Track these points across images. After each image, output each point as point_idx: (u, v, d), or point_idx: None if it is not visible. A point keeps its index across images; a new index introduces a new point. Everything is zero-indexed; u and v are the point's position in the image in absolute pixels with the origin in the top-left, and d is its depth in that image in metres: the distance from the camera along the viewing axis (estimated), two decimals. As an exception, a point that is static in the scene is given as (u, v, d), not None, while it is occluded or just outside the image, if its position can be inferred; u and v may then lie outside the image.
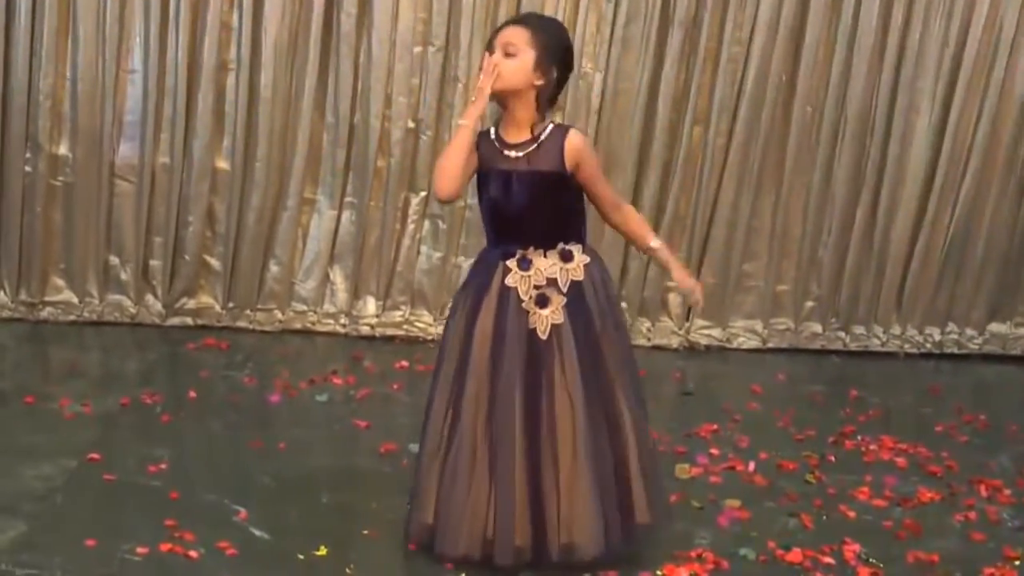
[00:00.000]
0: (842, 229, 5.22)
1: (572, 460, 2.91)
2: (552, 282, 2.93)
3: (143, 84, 4.83)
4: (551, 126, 2.93)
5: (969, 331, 5.40)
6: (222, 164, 4.95)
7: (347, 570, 2.97)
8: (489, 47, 2.92)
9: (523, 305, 2.91)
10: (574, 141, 2.91)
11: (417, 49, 4.89)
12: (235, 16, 4.80)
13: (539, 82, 2.89)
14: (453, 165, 2.88)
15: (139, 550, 2.99)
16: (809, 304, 5.32)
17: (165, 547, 3.01)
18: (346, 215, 5.07)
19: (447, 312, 3.21)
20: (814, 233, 5.22)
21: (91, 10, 4.73)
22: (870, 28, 4.99)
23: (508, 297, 2.92)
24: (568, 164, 2.90)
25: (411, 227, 5.08)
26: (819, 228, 5.22)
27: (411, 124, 4.96)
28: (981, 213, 5.25)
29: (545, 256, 2.94)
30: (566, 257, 2.96)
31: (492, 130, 2.99)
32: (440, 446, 2.97)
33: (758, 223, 5.21)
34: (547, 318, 2.91)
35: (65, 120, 4.87)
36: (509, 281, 2.93)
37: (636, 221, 3.11)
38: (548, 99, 2.95)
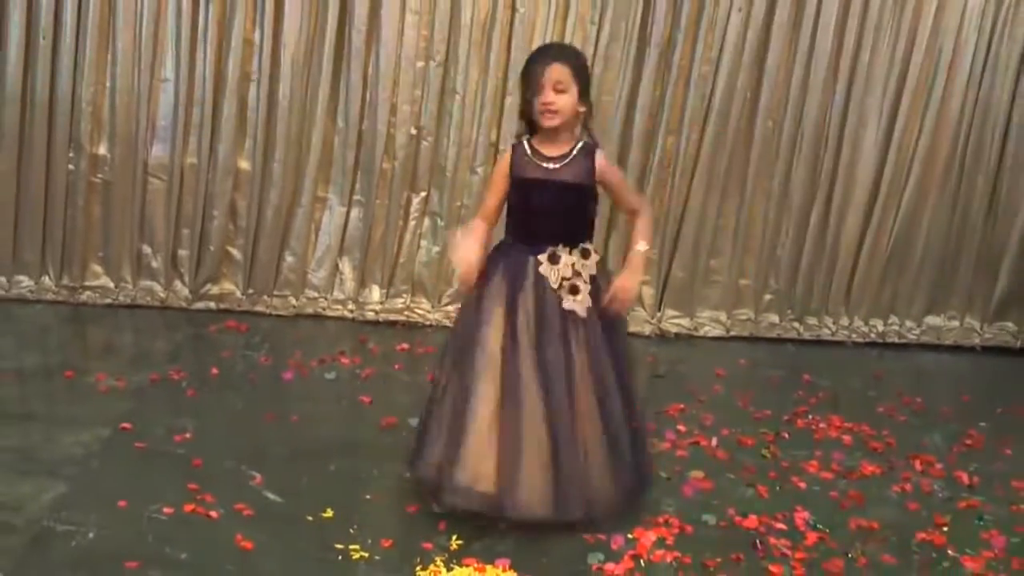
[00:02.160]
0: (798, 230, 5.22)
1: (599, 426, 3.03)
2: (577, 274, 3.03)
3: (174, 92, 4.81)
4: (580, 143, 3.06)
5: (909, 323, 5.40)
6: (244, 164, 4.94)
7: (351, 530, 2.98)
8: (532, 84, 2.98)
9: (559, 293, 3.01)
10: (601, 161, 3.07)
11: (420, 64, 4.87)
12: (257, 33, 4.78)
13: (582, 110, 3.05)
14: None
15: (165, 510, 3.01)
16: (768, 297, 5.32)
17: (188, 508, 3.03)
18: (354, 212, 5.06)
19: (464, 300, 3.21)
20: (773, 233, 5.22)
21: (128, 27, 4.72)
22: (825, 51, 4.98)
23: (542, 285, 3.02)
24: (596, 177, 3.06)
25: (412, 223, 5.07)
26: (778, 228, 5.22)
27: (414, 130, 4.95)
28: (921, 217, 5.25)
29: (570, 253, 3.04)
30: (585, 254, 3.08)
31: (526, 144, 3.07)
32: (496, 419, 2.98)
33: (723, 223, 5.20)
34: (581, 302, 3.02)
35: (104, 124, 4.86)
36: (542, 271, 3.02)
37: (639, 228, 3.14)
38: (586, 120, 3.09)
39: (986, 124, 5.14)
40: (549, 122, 2.99)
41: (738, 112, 5.03)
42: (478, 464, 2.98)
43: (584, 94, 3.03)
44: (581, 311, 3.01)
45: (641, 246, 3.08)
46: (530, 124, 3.08)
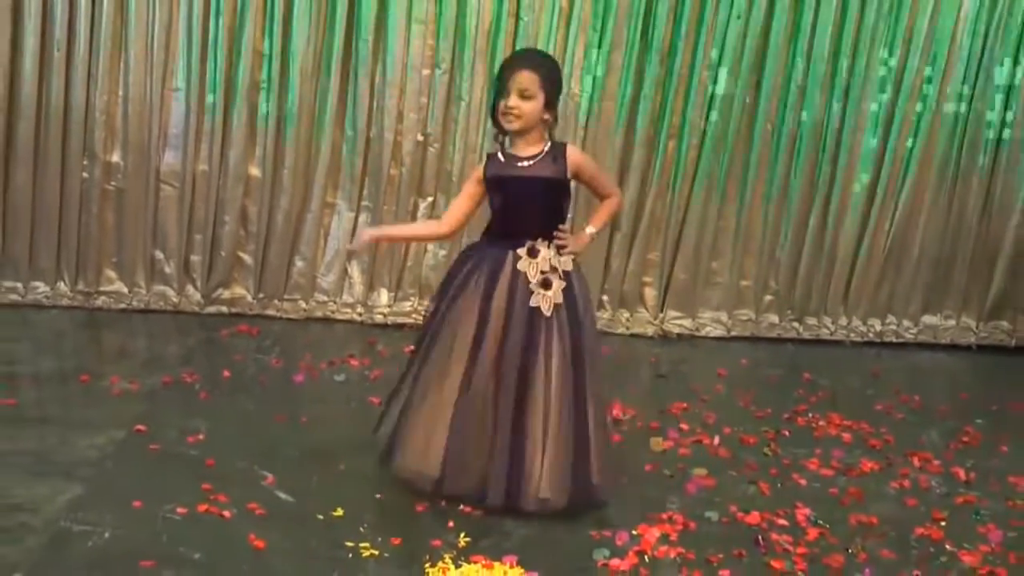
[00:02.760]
0: (797, 232, 5.22)
1: (556, 421, 3.04)
2: (553, 269, 3.09)
3: (185, 101, 4.81)
4: (550, 143, 3.13)
5: (906, 322, 5.39)
6: (254, 171, 4.94)
7: (361, 529, 2.98)
8: (502, 88, 3.06)
9: (530, 287, 3.06)
10: (572, 154, 3.14)
11: (426, 71, 4.87)
12: (266, 43, 4.78)
13: (547, 117, 3.11)
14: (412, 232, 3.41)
15: (179, 510, 3.00)
16: (768, 298, 5.32)
17: (202, 508, 3.01)
18: (363, 217, 5.05)
19: (437, 295, 3.26)
20: (773, 235, 5.21)
21: (141, 37, 4.73)
22: (822, 57, 4.98)
23: (518, 280, 3.07)
24: (570, 172, 3.12)
25: (420, 228, 5.07)
26: (777, 231, 5.21)
27: (420, 137, 4.95)
28: (917, 219, 5.24)
29: (548, 247, 3.09)
30: (560, 249, 3.12)
31: (499, 152, 3.16)
32: (449, 408, 3.06)
33: (724, 226, 5.20)
34: (550, 298, 3.07)
35: (118, 132, 4.86)
36: (520, 266, 3.07)
37: (600, 210, 3.30)
38: (551, 127, 3.15)
39: (980, 128, 5.14)
40: (509, 125, 3.07)
41: (737, 117, 5.03)
42: (422, 448, 3.09)
43: (550, 103, 3.09)
44: (546, 309, 3.06)
45: (589, 229, 3.21)
46: (499, 126, 3.14)
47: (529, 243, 3.09)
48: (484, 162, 3.19)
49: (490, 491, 3.06)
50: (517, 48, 4.80)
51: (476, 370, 3.05)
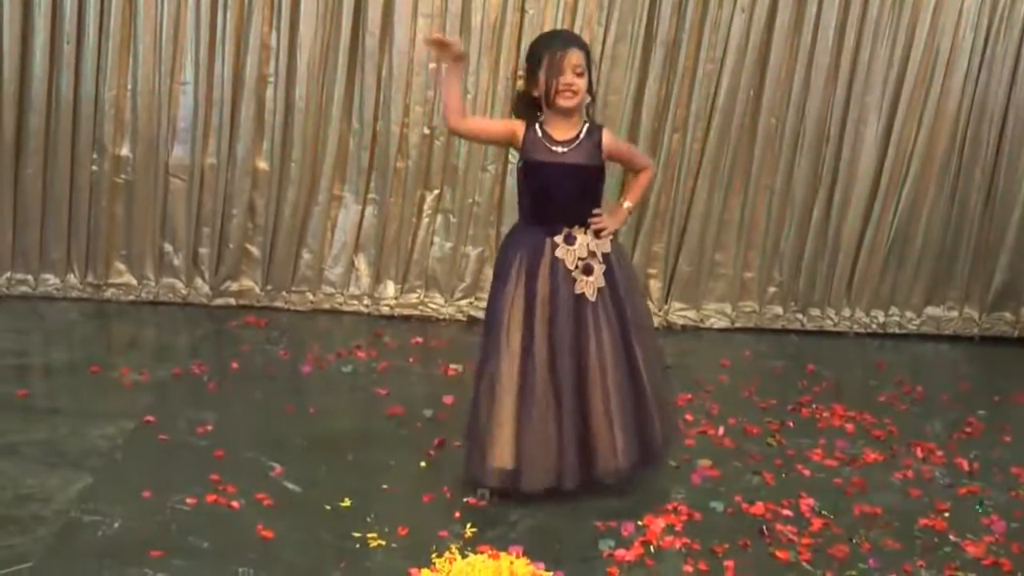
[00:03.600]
0: (801, 224, 5.20)
1: (617, 399, 3.08)
2: (592, 254, 3.07)
3: (194, 95, 4.80)
4: (587, 125, 3.11)
5: (909, 314, 5.37)
6: (262, 164, 4.93)
7: (368, 519, 2.97)
8: (553, 66, 3.00)
9: (572, 274, 3.05)
10: (607, 139, 3.12)
11: (432, 65, 4.85)
12: (273, 36, 4.77)
13: (589, 98, 3.13)
14: (453, 107, 3.11)
15: (188, 500, 2.99)
16: (772, 289, 5.30)
17: (211, 498, 3.01)
18: (369, 209, 5.04)
19: (496, 281, 3.19)
20: (776, 227, 5.19)
21: (149, 31, 4.72)
22: (826, 50, 4.95)
23: (557, 267, 3.05)
24: (604, 157, 3.11)
25: (426, 220, 5.05)
26: (781, 223, 5.19)
27: (426, 130, 4.94)
28: (920, 212, 5.22)
29: (585, 233, 3.08)
30: (597, 233, 3.10)
31: (538, 127, 3.09)
32: (514, 397, 3.04)
33: (728, 218, 5.17)
34: (593, 283, 3.07)
35: (126, 126, 4.85)
36: (559, 254, 3.05)
37: (635, 184, 3.31)
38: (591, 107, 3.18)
39: (983, 120, 5.12)
40: (568, 102, 3.02)
41: (741, 110, 5.01)
42: (500, 443, 3.05)
43: (591, 82, 3.10)
44: (591, 295, 3.05)
45: (627, 204, 3.23)
46: (529, 109, 3.10)
47: (565, 230, 3.06)
48: (523, 128, 3.10)
49: (566, 477, 3.06)
50: (522, 42, 4.77)
51: (531, 361, 3.04)
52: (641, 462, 3.17)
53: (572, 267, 3.05)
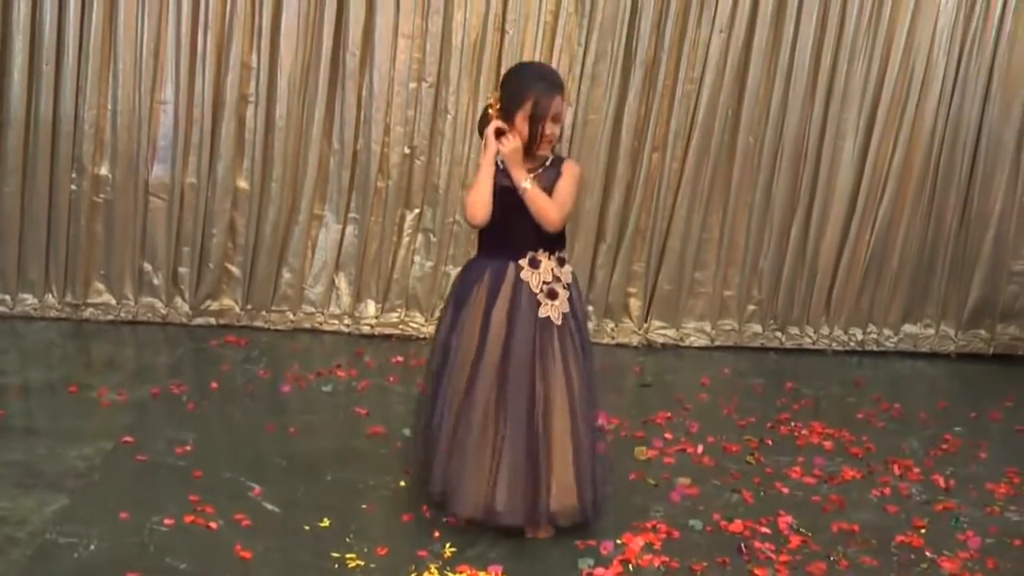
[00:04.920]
0: (779, 242, 5.22)
1: (583, 427, 3.01)
2: (556, 279, 3.03)
3: (174, 114, 4.80)
4: (551, 156, 3.08)
5: (886, 331, 5.40)
6: (242, 184, 4.92)
7: (347, 539, 2.97)
8: (541, 111, 2.95)
9: (537, 298, 3.00)
10: (567, 167, 3.06)
11: (412, 85, 4.87)
12: (254, 56, 4.78)
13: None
14: (485, 199, 2.98)
15: (166, 521, 2.98)
16: (751, 308, 5.32)
17: (189, 519, 3.00)
18: (350, 229, 5.04)
19: (444, 309, 3.17)
20: (756, 245, 5.22)
21: (129, 50, 4.72)
22: (803, 70, 4.99)
23: (521, 290, 3.00)
24: None
25: (406, 239, 5.06)
26: (760, 241, 5.22)
27: (407, 150, 4.95)
28: (897, 230, 5.25)
29: (549, 259, 3.04)
30: (561, 263, 3.07)
31: (499, 161, 3.03)
32: (452, 424, 2.99)
33: (708, 236, 5.20)
34: (559, 307, 3.02)
35: (106, 145, 4.84)
36: (523, 276, 3.01)
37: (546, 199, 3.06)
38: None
39: (957, 139, 5.17)
40: (546, 150, 3.03)
41: (720, 129, 5.04)
42: (436, 465, 3.02)
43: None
44: (556, 318, 3.00)
45: (525, 184, 2.98)
46: (483, 132, 3.05)
47: (530, 254, 3.02)
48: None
49: (501, 508, 2.95)
50: (503, 62, 4.81)
51: (478, 382, 2.98)
52: (595, 503, 3.07)
53: (537, 290, 3.00)
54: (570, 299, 3.06)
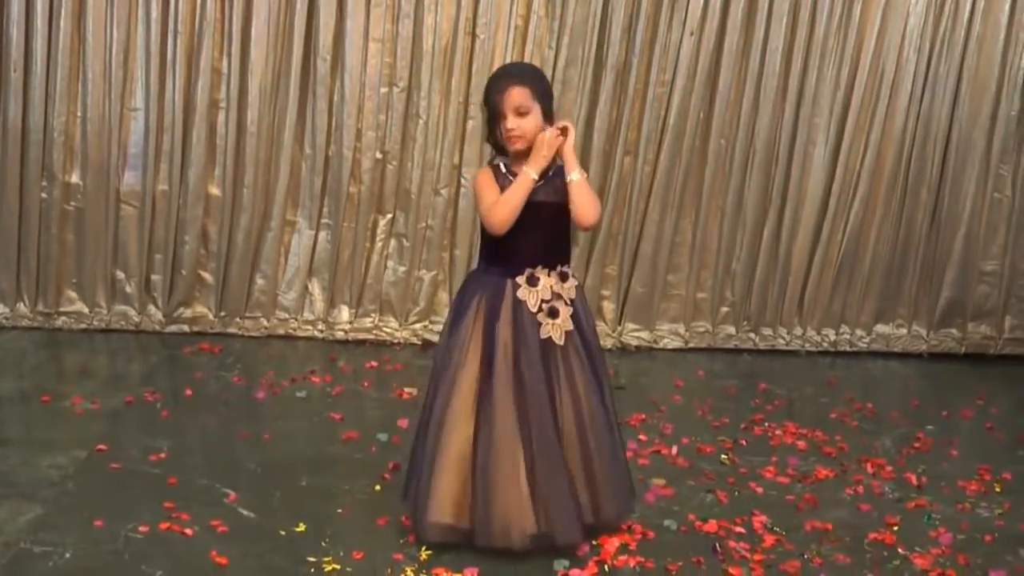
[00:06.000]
0: (752, 244, 5.27)
1: (596, 445, 2.98)
2: (556, 296, 2.93)
3: (144, 121, 4.81)
4: (556, 165, 2.93)
5: (859, 332, 5.45)
6: (214, 190, 4.93)
7: (323, 543, 2.98)
8: (494, 111, 2.87)
9: (537, 317, 2.90)
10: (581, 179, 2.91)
11: (384, 90, 4.89)
12: (225, 62, 4.78)
13: (549, 123, 2.92)
14: (516, 209, 2.86)
15: (141, 529, 2.99)
16: (724, 309, 5.36)
17: (164, 526, 3.01)
18: (323, 234, 5.05)
19: (445, 327, 3.06)
20: (728, 248, 5.26)
21: (99, 57, 4.72)
22: (774, 72, 5.04)
23: (520, 310, 2.90)
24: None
25: (379, 245, 5.07)
26: (732, 244, 5.26)
27: (379, 155, 4.96)
28: (868, 231, 5.31)
29: (549, 275, 2.94)
30: (563, 277, 2.96)
31: (502, 166, 2.96)
32: (469, 449, 2.89)
33: (680, 239, 5.24)
34: (560, 326, 2.92)
35: (76, 153, 4.84)
36: (520, 295, 2.90)
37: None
38: None
39: (927, 140, 5.22)
40: (515, 147, 2.89)
41: (692, 132, 5.08)
42: (450, 498, 2.91)
43: (547, 113, 2.91)
44: (558, 338, 2.91)
45: (574, 175, 2.89)
46: (498, 147, 2.96)
47: (528, 271, 2.91)
48: (491, 171, 2.96)
49: (559, 534, 2.91)
50: (474, 66, 4.84)
51: (493, 410, 2.87)
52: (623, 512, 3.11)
53: (535, 309, 2.89)
54: (574, 315, 2.95)
